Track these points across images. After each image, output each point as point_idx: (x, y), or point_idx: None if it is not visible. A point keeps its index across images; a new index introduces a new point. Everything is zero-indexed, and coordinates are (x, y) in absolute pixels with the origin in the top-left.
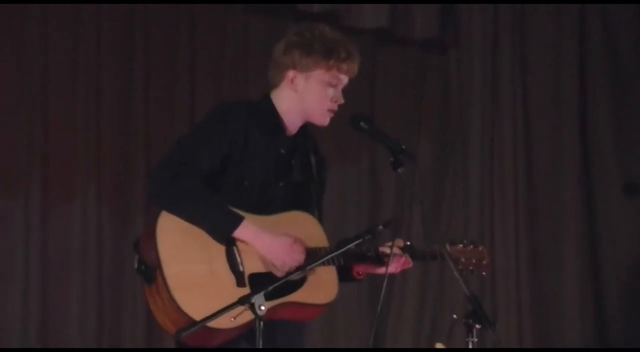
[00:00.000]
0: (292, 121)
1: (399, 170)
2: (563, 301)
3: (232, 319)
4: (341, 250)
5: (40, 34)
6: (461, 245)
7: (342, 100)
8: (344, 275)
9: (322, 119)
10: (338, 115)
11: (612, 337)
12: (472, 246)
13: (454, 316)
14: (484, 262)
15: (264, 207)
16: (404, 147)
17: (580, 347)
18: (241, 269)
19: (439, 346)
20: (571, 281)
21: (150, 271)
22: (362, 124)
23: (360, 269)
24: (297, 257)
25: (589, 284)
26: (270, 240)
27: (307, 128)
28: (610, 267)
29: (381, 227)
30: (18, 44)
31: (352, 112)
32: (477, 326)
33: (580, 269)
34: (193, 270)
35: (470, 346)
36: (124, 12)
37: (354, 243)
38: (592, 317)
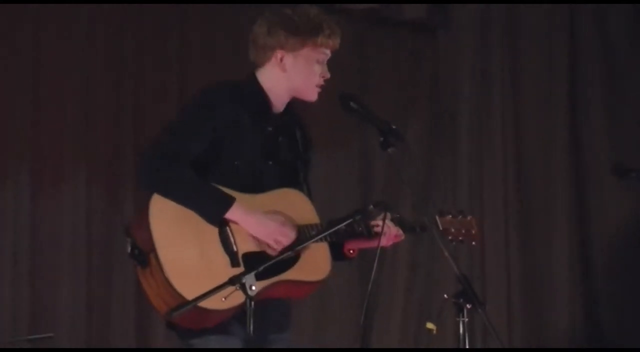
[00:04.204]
0: (278, 99)
1: (389, 150)
2: (552, 279)
3: (223, 299)
4: (332, 229)
5: (32, 19)
6: (450, 216)
7: (328, 75)
8: (336, 254)
9: (312, 94)
10: (327, 98)
11: (601, 314)
12: (460, 216)
13: (445, 295)
14: (473, 232)
15: (254, 185)
16: (393, 127)
17: (570, 333)
18: (235, 249)
19: (429, 326)
20: (560, 259)
21: (144, 255)
22: (352, 104)
23: (352, 246)
24: (288, 234)
25: (577, 261)
26: (261, 220)
27: (292, 105)
28: (598, 246)
29: (372, 207)
30: (9, 30)
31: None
32: (468, 306)
33: (570, 247)
34: (187, 252)
35: (461, 326)
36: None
37: (344, 223)
38: (581, 295)
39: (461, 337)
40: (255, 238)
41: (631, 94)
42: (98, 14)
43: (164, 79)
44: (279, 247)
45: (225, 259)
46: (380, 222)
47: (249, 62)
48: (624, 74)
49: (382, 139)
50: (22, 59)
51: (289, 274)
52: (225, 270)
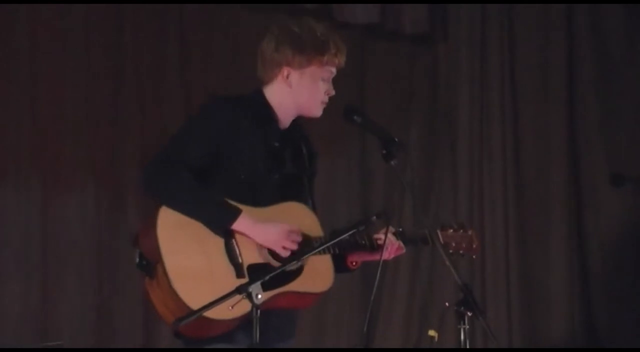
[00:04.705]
0: (285, 115)
1: (392, 162)
2: (551, 281)
3: (230, 308)
4: (335, 240)
5: (29, 20)
6: (451, 230)
7: (333, 92)
8: (339, 266)
9: (316, 111)
10: (328, 107)
11: (599, 317)
12: (462, 231)
13: (446, 303)
14: (474, 246)
15: (259, 199)
16: (396, 139)
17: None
18: (240, 260)
19: (431, 333)
20: (559, 262)
21: (151, 265)
22: (355, 117)
23: (355, 259)
24: (295, 240)
25: (575, 264)
26: (267, 229)
27: (298, 121)
28: (596, 249)
29: (374, 217)
30: (7, 34)
31: (343, 105)
32: (469, 314)
33: (568, 250)
34: (193, 263)
35: (462, 333)
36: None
37: (347, 233)
38: (579, 298)
39: (462, 344)
40: (260, 250)
41: (628, 94)
42: (96, 16)
43: (166, 83)
44: (287, 254)
45: (230, 269)
46: (382, 236)
47: (248, 63)
48: (621, 74)
49: (384, 151)
50: (19, 63)
51: (293, 285)
52: (230, 280)
